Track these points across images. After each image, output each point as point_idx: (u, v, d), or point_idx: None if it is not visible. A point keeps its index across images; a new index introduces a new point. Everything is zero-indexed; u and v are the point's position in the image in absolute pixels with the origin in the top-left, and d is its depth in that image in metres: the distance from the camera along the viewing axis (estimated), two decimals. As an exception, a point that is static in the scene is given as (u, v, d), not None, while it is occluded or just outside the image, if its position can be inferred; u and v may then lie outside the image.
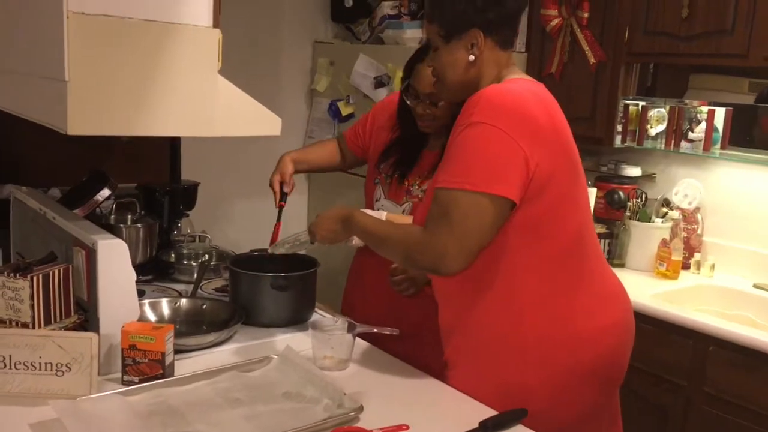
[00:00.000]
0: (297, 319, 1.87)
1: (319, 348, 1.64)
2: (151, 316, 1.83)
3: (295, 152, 2.31)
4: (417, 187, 2.06)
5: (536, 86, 1.54)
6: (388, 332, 1.72)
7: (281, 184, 2.21)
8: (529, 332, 1.50)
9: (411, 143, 2.10)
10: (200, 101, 1.49)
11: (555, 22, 3.01)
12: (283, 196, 2.20)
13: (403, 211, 2.07)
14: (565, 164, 1.50)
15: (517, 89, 1.46)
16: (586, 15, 2.89)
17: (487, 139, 1.40)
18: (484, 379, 1.54)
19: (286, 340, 1.77)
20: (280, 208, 2.19)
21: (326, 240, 1.69)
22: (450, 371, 1.62)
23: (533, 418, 1.43)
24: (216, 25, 1.50)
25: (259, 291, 1.85)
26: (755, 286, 2.63)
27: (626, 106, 2.89)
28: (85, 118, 1.38)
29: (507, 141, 1.39)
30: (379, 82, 3.16)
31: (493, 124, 1.39)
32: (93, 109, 1.38)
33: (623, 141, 2.94)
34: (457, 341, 1.61)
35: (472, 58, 1.50)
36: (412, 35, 3.12)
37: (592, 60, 2.88)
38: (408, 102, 2.04)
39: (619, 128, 2.91)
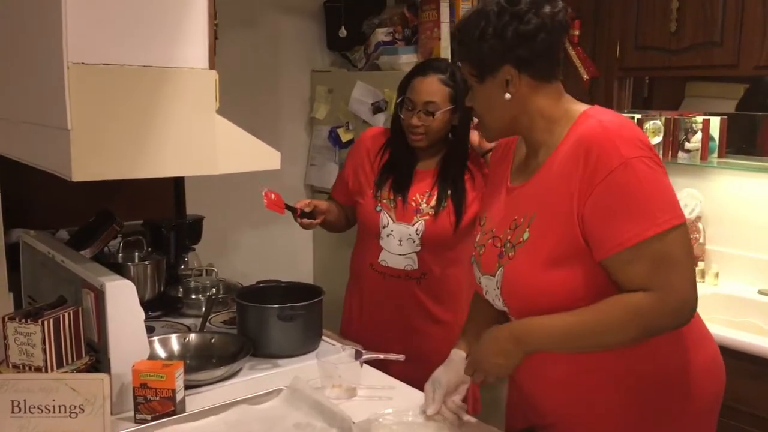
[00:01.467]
0: (304, 349, 1.90)
1: (327, 377, 1.66)
2: (161, 353, 1.85)
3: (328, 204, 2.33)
4: (426, 204, 2.12)
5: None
6: (393, 358, 1.75)
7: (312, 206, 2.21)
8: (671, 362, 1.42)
9: (402, 164, 2.16)
10: (199, 141, 1.52)
11: (547, 40, 3.05)
12: (294, 209, 2.17)
13: (416, 231, 2.11)
14: None
15: (623, 118, 1.40)
16: (577, 32, 2.93)
17: (650, 172, 1.29)
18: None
19: (295, 370, 1.79)
20: (293, 210, 2.15)
21: (501, 373, 1.43)
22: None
23: None
24: (212, 66, 1.54)
25: (265, 322, 1.87)
26: (760, 292, 2.64)
27: (622, 120, 2.92)
28: (88, 164, 1.41)
29: (662, 168, 1.33)
30: (377, 108, 3.20)
31: (642, 155, 1.30)
32: (96, 155, 1.42)
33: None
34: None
35: (508, 96, 1.40)
36: (407, 60, 3.17)
37: (585, 76, 2.92)
38: (402, 116, 2.11)
39: (616, 142, 2.93)
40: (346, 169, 2.31)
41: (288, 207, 2.11)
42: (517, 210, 1.45)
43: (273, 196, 2.08)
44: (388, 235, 2.14)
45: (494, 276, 1.46)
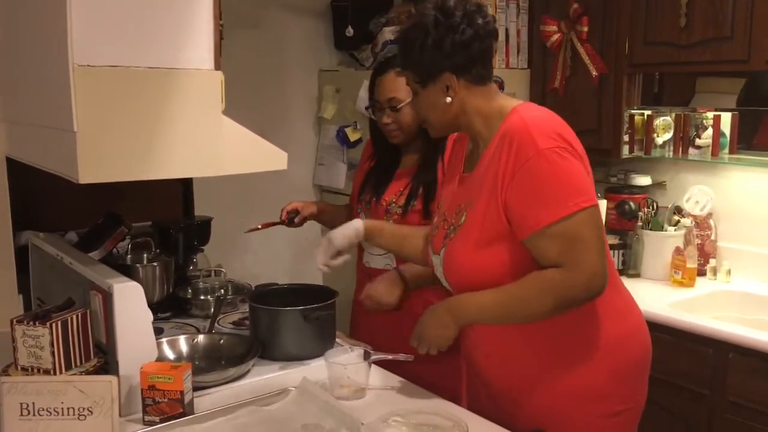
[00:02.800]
0: (320, 351, 1.87)
1: (336, 378, 1.65)
2: (170, 354, 1.85)
3: (321, 203, 2.48)
4: (394, 204, 2.12)
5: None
6: (402, 358, 1.74)
7: (294, 212, 2.29)
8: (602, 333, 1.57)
9: (385, 166, 2.18)
10: (206, 143, 1.52)
11: (555, 37, 3.03)
12: (291, 220, 2.28)
13: None
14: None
15: (546, 112, 1.54)
16: (585, 29, 2.91)
17: (561, 160, 1.44)
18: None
19: (303, 371, 1.78)
20: (281, 222, 2.28)
21: (441, 343, 1.61)
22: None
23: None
24: (218, 67, 1.53)
25: (282, 325, 1.86)
26: (775, 288, 2.62)
27: (632, 116, 2.90)
28: (95, 166, 1.42)
29: (575, 157, 1.47)
30: (385, 107, 3.19)
31: (555, 146, 1.44)
32: (102, 157, 1.42)
33: (631, 151, 2.94)
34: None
35: (449, 99, 1.55)
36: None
37: (594, 73, 2.90)
38: (374, 117, 2.12)
39: (626, 138, 2.92)
40: (357, 172, 2.35)
41: (271, 224, 2.26)
42: (461, 197, 1.61)
43: (260, 226, 2.29)
44: None
45: (439, 254, 1.63)
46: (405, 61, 1.60)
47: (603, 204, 2.90)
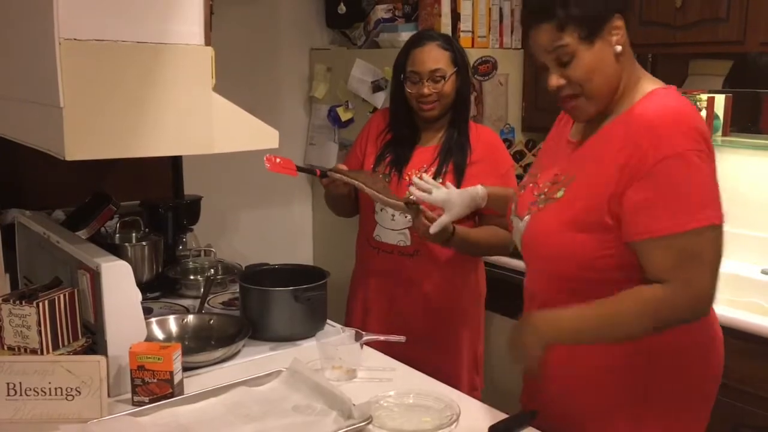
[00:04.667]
0: (311, 332, 1.86)
1: (327, 359, 1.64)
2: (159, 334, 1.84)
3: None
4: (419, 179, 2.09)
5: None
6: (394, 340, 1.73)
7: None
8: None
9: (403, 142, 2.16)
10: (196, 120, 1.50)
11: (550, 17, 3.00)
12: (312, 171, 2.11)
13: None
14: None
15: (687, 104, 1.37)
16: (580, 9, 2.88)
17: (701, 166, 1.29)
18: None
19: (294, 352, 1.77)
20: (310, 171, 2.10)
21: (533, 353, 1.38)
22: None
23: None
24: (208, 43, 1.50)
25: (273, 305, 1.84)
26: (763, 272, 2.62)
27: (625, 98, 2.89)
28: (82, 143, 1.39)
29: (713, 167, 1.32)
30: (377, 86, 3.16)
31: (696, 148, 1.29)
32: (89, 133, 1.39)
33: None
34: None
35: (618, 48, 1.34)
36: (408, 37, 3.12)
37: (589, 53, 2.87)
38: (409, 90, 2.09)
39: (619, 120, 2.90)
40: (356, 145, 2.30)
41: (302, 169, 2.03)
42: (562, 167, 1.45)
43: (278, 159, 1.97)
44: (381, 209, 2.12)
45: (522, 220, 1.50)
46: (569, 15, 1.32)
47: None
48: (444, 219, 1.84)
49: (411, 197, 1.91)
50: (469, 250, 2.06)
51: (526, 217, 1.49)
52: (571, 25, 1.32)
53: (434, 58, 2.07)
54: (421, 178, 1.94)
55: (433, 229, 1.83)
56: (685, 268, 1.28)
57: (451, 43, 2.12)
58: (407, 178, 2.10)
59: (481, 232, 2.05)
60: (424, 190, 1.88)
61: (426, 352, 2.02)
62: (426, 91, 2.06)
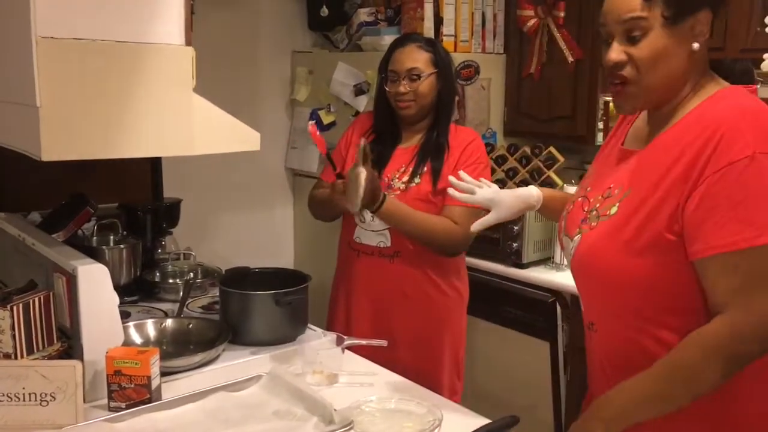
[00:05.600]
0: (292, 336, 1.84)
1: (308, 363, 1.62)
2: (137, 339, 1.81)
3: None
4: (397, 180, 2.11)
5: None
6: (376, 344, 1.72)
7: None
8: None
9: (385, 141, 2.17)
10: (176, 121, 1.47)
11: (532, 22, 3.02)
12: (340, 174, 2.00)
13: None
14: None
15: (762, 105, 1.21)
16: (562, 14, 2.90)
17: None
18: None
19: (275, 357, 1.75)
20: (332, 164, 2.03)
21: None
22: None
23: None
24: (188, 42, 1.48)
25: (254, 309, 1.82)
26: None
27: (606, 103, 2.90)
28: (59, 143, 1.36)
29: None
30: (359, 90, 3.15)
31: None
32: (67, 133, 1.37)
33: (605, 138, 2.94)
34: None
35: (696, 46, 1.20)
36: (390, 41, 3.12)
37: (571, 58, 2.89)
38: (387, 89, 2.12)
39: (600, 125, 2.92)
40: (340, 144, 2.30)
41: (329, 156, 2.03)
42: (615, 178, 1.30)
43: (319, 133, 1.98)
44: (358, 213, 2.12)
45: (572, 240, 1.34)
46: None
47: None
48: (489, 218, 1.61)
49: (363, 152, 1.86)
50: (399, 225, 2.01)
51: (577, 237, 1.32)
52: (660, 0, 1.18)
53: (413, 57, 2.10)
54: (458, 177, 1.70)
55: (475, 227, 1.62)
56: (746, 290, 1.12)
57: (434, 45, 2.15)
58: (386, 179, 2.11)
59: (421, 215, 2.02)
60: (464, 191, 1.65)
61: (407, 355, 2.02)
62: (402, 89, 2.09)
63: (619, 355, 1.29)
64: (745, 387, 1.20)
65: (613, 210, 1.26)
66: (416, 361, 2.04)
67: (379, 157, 2.14)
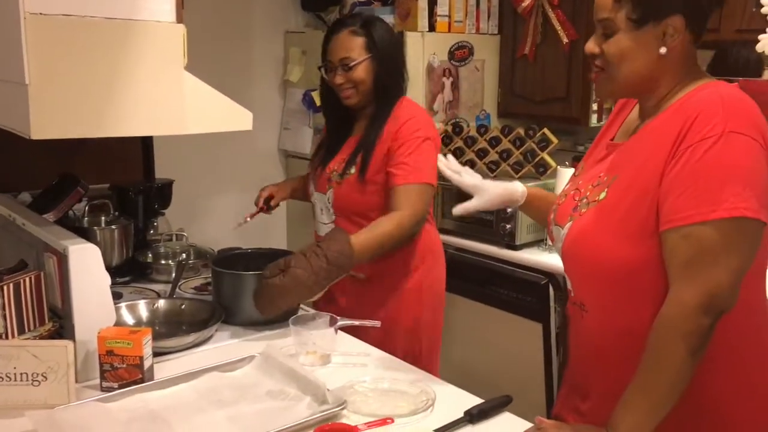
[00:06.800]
0: (285, 317, 1.82)
1: (301, 344, 1.62)
2: (129, 319, 1.80)
3: (293, 182, 2.41)
4: (335, 172, 2.05)
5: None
6: (369, 324, 1.71)
7: (270, 198, 2.28)
8: None
9: (337, 133, 2.11)
10: (167, 99, 1.46)
11: (527, 2, 3.00)
12: (268, 207, 2.29)
13: (328, 200, 2.05)
14: None
15: (746, 96, 1.23)
16: (557, -6, 2.88)
17: (746, 152, 1.15)
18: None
19: (267, 337, 1.75)
20: (261, 210, 2.26)
21: None
22: None
23: None
24: (180, 20, 1.46)
25: (245, 290, 1.80)
26: None
27: (601, 85, 2.89)
28: (48, 122, 1.35)
29: (762, 158, 1.17)
30: (353, 70, 3.13)
31: (745, 132, 1.16)
32: (56, 111, 1.35)
33: (599, 120, 2.94)
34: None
35: (663, 50, 1.24)
36: (385, 21, 3.09)
37: (565, 39, 2.87)
38: (327, 79, 2.04)
39: (594, 107, 2.91)
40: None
41: (255, 214, 2.28)
42: (605, 168, 1.33)
43: (247, 219, 2.30)
44: (314, 203, 2.13)
45: (563, 228, 1.37)
46: None
47: (569, 172, 2.90)
48: (472, 203, 1.62)
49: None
50: (376, 253, 1.86)
51: (568, 224, 1.35)
52: (628, 1, 1.23)
53: (344, 46, 1.99)
54: (446, 157, 1.70)
55: (457, 211, 1.62)
56: (695, 265, 1.14)
57: (369, 27, 1.99)
58: (327, 171, 2.07)
59: (376, 232, 1.85)
60: (453, 170, 1.66)
61: (402, 339, 1.99)
62: (338, 80, 2.00)
63: (609, 335, 1.32)
64: (719, 364, 1.22)
65: (602, 195, 1.29)
66: (407, 344, 2.02)
67: (327, 151, 2.10)
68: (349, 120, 2.10)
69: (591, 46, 1.31)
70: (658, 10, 1.22)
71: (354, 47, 1.98)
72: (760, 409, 1.29)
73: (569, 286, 1.41)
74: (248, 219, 2.27)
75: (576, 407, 1.41)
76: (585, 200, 1.34)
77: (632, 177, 1.25)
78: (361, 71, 1.98)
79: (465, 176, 1.65)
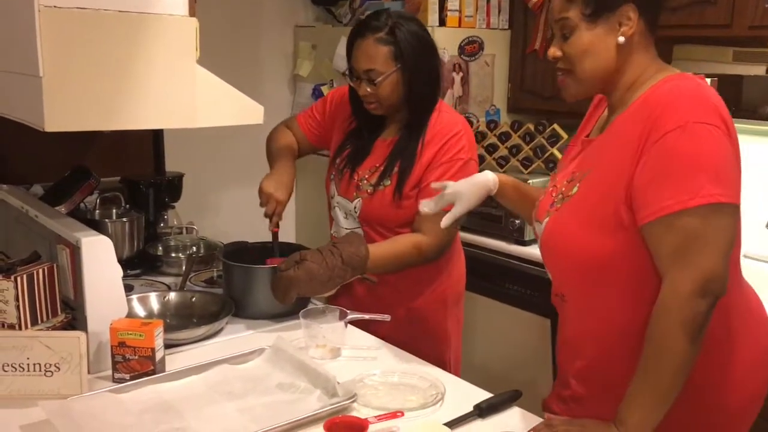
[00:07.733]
0: (295, 310, 1.82)
1: (311, 337, 1.63)
2: (140, 311, 1.81)
3: (272, 178, 1.98)
4: (366, 181, 1.93)
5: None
6: (379, 318, 1.72)
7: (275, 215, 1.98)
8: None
9: (366, 133, 1.98)
10: (179, 92, 1.47)
11: (537, -2, 2.98)
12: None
13: (354, 208, 1.94)
14: None
15: (705, 84, 1.28)
16: (566, -10, 2.87)
17: (709, 139, 1.19)
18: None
19: (277, 330, 1.76)
20: (274, 233, 2.00)
21: None
22: None
23: None
24: (192, 13, 1.47)
25: (256, 283, 1.82)
26: (745, 256, 2.64)
27: (611, 81, 2.88)
28: (62, 114, 1.36)
29: (728, 140, 1.22)
30: (362, 65, 3.12)
31: (706, 121, 1.20)
32: (70, 104, 1.36)
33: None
34: None
35: (621, 39, 1.28)
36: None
37: (575, 35, 2.86)
38: (352, 84, 1.91)
39: (605, 103, 2.90)
40: (327, 104, 2.10)
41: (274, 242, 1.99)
42: (579, 164, 1.38)
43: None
44: (335, 207, 2.02)
45: (542, 223, 1.42)
46: None
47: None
48: (456, 210, 1.62)
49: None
50: (386, 271, 1.85)
51: (545, 219, 1.40)
52: (579, 0, 1.29)
53: (369, 55, 1.81)
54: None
55: (444, 222, 1.62)
56: (684, 251, 1.18)
57: (394, 33, 1.81)
58: (356, 177, 1.95)
59: (394, 252, 1.82)
60: (434, 206, 1.67)
61: (412, 333, 1.95)
62: (362, 92, 1.86)
63: (586, 324, 1.37)
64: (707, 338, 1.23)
65: (574, 190, 1.35)
66: (417, 339, 2.01)
67: (355, 153, 1.97)
68: (378, 119, 1.95)
69: (552, 50, 1.36)
70: (611, 4, 1.28)
71: (379, 58, 1.81)
72: (732, 391, 1.33)
73: (552, 279, 1.46)
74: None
75: (559, 394, 1.46)
76: (560, 196, 1.39)
77: (602, 172, 1.31)
78: (387, 87, 1.82)
79: (444, 195, 1.64)
